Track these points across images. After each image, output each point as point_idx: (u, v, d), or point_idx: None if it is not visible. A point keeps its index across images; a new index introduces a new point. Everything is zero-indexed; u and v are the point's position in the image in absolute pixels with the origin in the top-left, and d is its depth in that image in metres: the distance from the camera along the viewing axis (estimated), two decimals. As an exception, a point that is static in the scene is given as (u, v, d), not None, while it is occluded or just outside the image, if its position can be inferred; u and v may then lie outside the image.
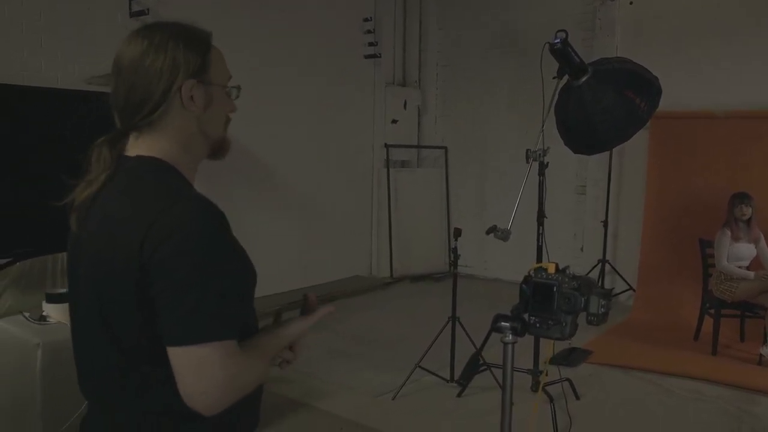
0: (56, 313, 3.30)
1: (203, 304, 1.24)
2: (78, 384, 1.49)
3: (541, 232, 4.40)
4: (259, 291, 1.54)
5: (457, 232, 4.65)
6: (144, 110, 1.37)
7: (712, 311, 5.53)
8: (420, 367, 4.61)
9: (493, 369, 4.51)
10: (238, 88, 1.50)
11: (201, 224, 1.28)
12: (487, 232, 3.97)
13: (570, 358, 5.20)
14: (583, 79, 4.05)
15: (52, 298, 3.35)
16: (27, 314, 3.38)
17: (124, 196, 1.35)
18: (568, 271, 1.75)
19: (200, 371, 1.25)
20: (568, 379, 4.49)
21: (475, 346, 4.61)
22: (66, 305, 3.23)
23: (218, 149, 1.50)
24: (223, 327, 1.27)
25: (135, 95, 1.37)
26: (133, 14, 5.57)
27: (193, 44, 1.40)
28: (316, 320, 1.55)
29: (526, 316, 1.78)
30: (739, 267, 5.41)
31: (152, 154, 1.39)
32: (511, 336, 1.80)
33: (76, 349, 1.48)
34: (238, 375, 1.29)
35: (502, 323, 1.79)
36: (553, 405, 4.07)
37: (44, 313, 3.32)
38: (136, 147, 1.41)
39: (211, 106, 1.43)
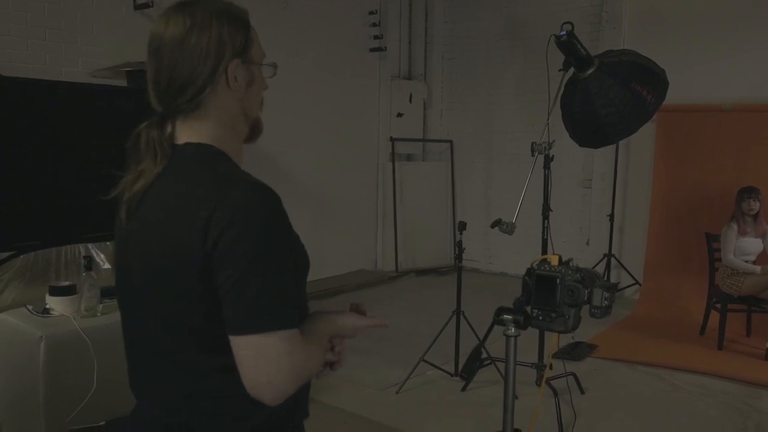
0: (60, 305, 3.30)
1: (267, 293, 1.22)
2: (129, 381, 1.46)
3: (546, 225, 4.39)
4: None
5: (462, 226, 4.63)
6: (189, 92, 1.33)
7: (718, 306, 5.50)
8: (424, 361, 4.60)
9: (497, 363, 4.50)
10: (275, 65, 1.46)
11: (263, 211, 1.26)
12: (492, 226, 3.95)
13: (575, 352, 5.19)
14: (590, 71, 4.03)
15: (56, 291, 3.35)
16: (30, 307, 3.37)
17: (180, 186, 1.31)
18: (571, 264, 1.73)
19: (265, 361, 1.22)
20: (572, 374, 4.48)
21: (479, 339, 4.59)
22: (70, 298, 3.25)
23: (253, 131, 1.47)
24: (287, 315, 1.25)
25: (179, 77, 1.33)
26: (138, 7, 5.56)
27: (236, 22, 1.37)
28: (370, 323, 1.51)
29: (528, 308, 1.77)
30: (746, 261, 5.39)
31: (202, 140, 1.36)
32: (513, 329, 1.79)
33: (129, 345, 1.45)
34: (301, 363, 1.27)
35: (505, 316, 1.78)
36: (558, 399, 4.05)
37: (48, 306, 3.32)
38: (185, 132, 1.37)
39: (252, 86, 1.41)
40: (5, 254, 3.66)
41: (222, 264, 1.22)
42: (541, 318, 1.73)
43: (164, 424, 1.36)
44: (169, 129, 1.38)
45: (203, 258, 1.23)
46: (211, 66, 1.33)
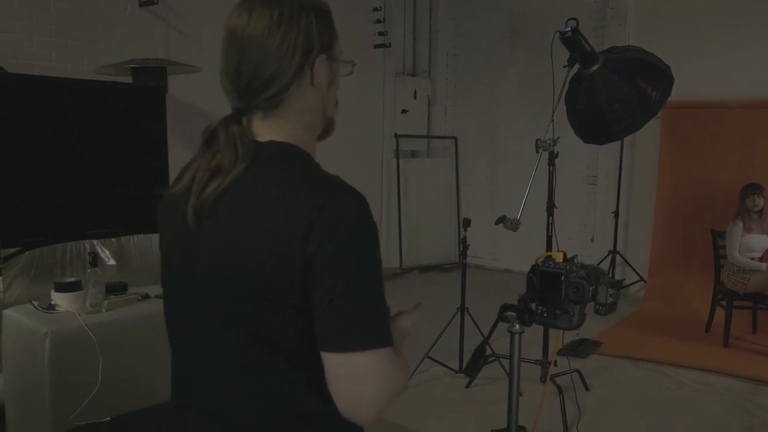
0: (65, 302, 3.30)
1: (369, 307, 1.16)
2: (174, 383, 1.39)
3: (551, 222, 4.38)
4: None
5: (467, 222, 4.63)
6: (273, 89, 1.24)
7: (724, 303, 5.49)
8: (429, 357, 4.60)
9: (502, 360, 4.50)
10: (353, 63, 1.39)
11: (363, 219, 1.18)
12: (497, 222, 3.95)
13: (579, 349, 5.18)
14: (594, 68, 4.02)
15: (61, 287, 3.35)
16: (36, 303, 3.37)
17: (268, 187, 1.20)
18: (576, 260, 1.72)
19: (364, 380, 1.15)
20: (577, 371, 4.47)
21: (483, 336, 4.58)
22: (75, 294, 3.25)
23: (326, 129, 1.41)
24: (386, 332, 1.18)
25: (263, 72, 1.23)
26: (143, 4, 5.56)
27: (323, 15, 1.29)
28: (417, 316, 1.48)
29: (533, 305, 1.76)
30: (752, 258, 5.37)
31: (283, 138, 1.28)
32: (518, 326, 1.79)
33: (180, 346, 1.37)
34: (399, 381, 1.19)
35: (509, 313, 1.78)
36: (562, 396, 4.05)
37: (53, 302, 3.32)
38: (265, 130, 1.28)
39: (333, 84, 1.33)
40: (10, 250, 3.67)
41: (323, 275, 1.14)
42: (545, 315, 1.73)
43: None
44: (244, 124, 1.29)
45: (301, 266, 1.14)
46: (298, 62, 1.24)
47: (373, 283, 1.17)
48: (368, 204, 1.21)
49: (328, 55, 1.29)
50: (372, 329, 1.15)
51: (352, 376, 1.15)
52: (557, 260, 1.72)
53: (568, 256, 1.74)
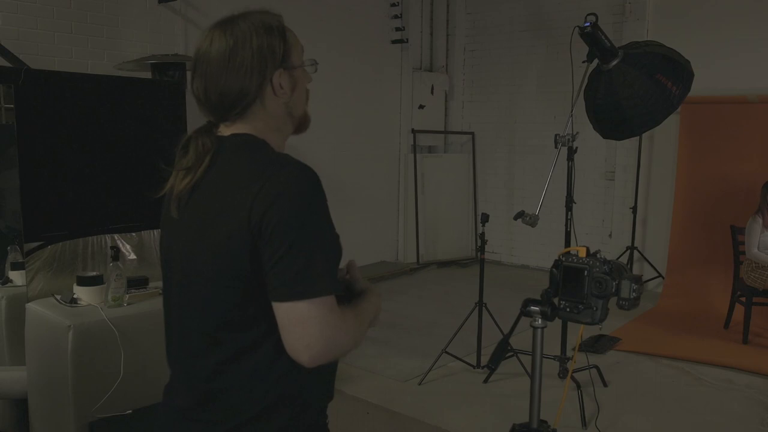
0: (87, 295, 3.34)
1: (312, 264, 1.31)
2: (167, 355, 1.57)
3: (569, 217, 4.37)
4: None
5: (485, 218, 4.62)
6: (239, 106, 1.44)
7: (743, 299, 5.46)
8: (446, 352, 4.60)
9: (519, 355, 4.49)
10: (315, 63, 1.58)
11: (307, 187, 1.34)
12: (515, 218, 3.96)
13: (597, 345, 5.17)
14: (614, 63, 4.01)
15: (83, 281, 3.39)
16: (58, 297, 3.41)
17: (227, 171, 1.40)
18: (599, 255, 1.73)
19: (302, 325, 1.30)
20: (595, 366, 4.47)
21: (501, 332, 4.58)
22: (97, 288, 3.29)
23: (301, 125, 1.59)
24: (328, 284, 1.33)
25: (229, 93, 1.42)
26: (162, 0, 5.59)
27: (273, 33, 1.45)
28: (374, 297, 1.59)
29: (555, 300, 1.77)
30: (772, 255, 5.33)
31: (245, 131, 1.46)
32: (540, 320, 1.79)
33: (170, 324, 1.55)
34: (336, 329, 1.33)
35: (532, 307, 1.78)
36: (581, 392, 4.05)
37: (75, 296, 3.36)
38: (229, 130, 1.48)
39: (297, 88, 1.51)
40: (33, 245, 3.71)
41: (269, 239, 1.30)
42: (568, 310, 1.73)
43: (199, 392, 1.45)
44: (214, 132, 1.49)
45: (250, 236, 1.31)
46: (257, 80, 1.42)
47: (316, 244, 1.32)
48: (316, 178, 1.36)
49: (285, 65, 1.46)
50: (312, 281, 1.31)
51: (293, 321, 1.31)
52: (580, 255, 1.72)
53: (591, 251, 1.74)
